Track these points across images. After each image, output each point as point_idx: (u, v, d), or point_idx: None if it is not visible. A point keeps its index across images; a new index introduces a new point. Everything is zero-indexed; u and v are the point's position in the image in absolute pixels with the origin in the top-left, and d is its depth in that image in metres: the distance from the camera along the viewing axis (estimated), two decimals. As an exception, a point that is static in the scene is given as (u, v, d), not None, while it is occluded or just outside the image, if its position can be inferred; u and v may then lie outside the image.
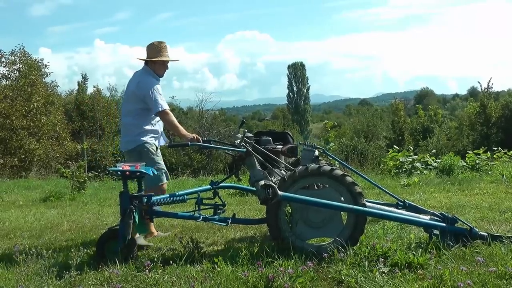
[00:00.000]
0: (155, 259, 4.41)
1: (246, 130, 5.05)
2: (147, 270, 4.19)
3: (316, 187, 4.96)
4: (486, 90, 29.50)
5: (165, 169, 5.85)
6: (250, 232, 5.84)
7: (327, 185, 4.77)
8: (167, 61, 5.90)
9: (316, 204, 4.66)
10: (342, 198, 4.71)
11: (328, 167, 4.69)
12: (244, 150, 4.91)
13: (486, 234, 4.61)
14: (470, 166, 10.82)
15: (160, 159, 5.80)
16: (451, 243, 4.47)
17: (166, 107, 5.64)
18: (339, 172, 4.68)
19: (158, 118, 5.76)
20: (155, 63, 5.81)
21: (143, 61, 5.90)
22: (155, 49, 5.82)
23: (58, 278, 4.18)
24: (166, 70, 5.98)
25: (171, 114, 5.67)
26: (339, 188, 4.70)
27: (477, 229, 4.65)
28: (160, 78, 5.88)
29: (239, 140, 4.92)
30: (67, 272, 4.21)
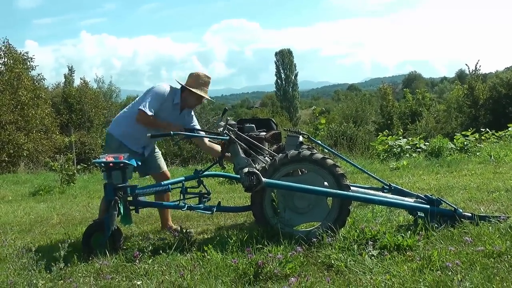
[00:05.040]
0: (145, 249, 4.39)
1: (228, 118, 5.03)
2: (137, 260, 4.19)
3: (300, 173, 4.97)
4: (474, 72, 29.69)
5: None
6: (240, 219, 5.85)
7: (311, 171, 4.77)
8: (199, 100, 5.60)
9: (300, 190, 4.68)
10: (326, 183, 4.73)
11: (307, 152, 4.69)
12: (227, 138, 4.90)
13: (470, 214, 4.68)
14: (458, 148, 10.87)
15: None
16: (436, 225, 4.51)
17: (146, 109, 5.23)
18: (319, 156, 4.69)
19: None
20: (191, 93, 5.48)
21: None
22: (197, 81, 5.51)
23: (48, 271, 4.16)
24: (191, 105, 5.64)
25: (145, 117, 5.25)
26: (321, 172, 4.71)
27: (461, 210, 4.70)
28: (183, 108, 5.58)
29: (222, 128, 4.90)
30: (57, 265, 4.20)
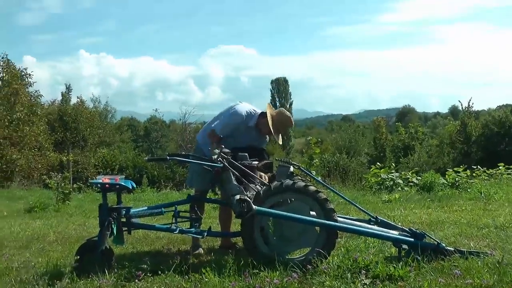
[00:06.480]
0: (144, 269, 4.49)
1: (223, 146, 5.19)
2: (137, 280, 4.29)
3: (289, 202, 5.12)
4: (466, 109, 30.10)
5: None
6: (237, 244, 5.94)
7: (296, 199, 4.95)
8: (272, 133, 5.90)
9: (289, 219, 4.84)
10: (313, 212, 4.90)
11: (290, 182, 4.88)
12: (221, 165, 5.05)
13: (452, 249, 4.83)
14: (450, 184, 11.05)
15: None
16: (419, 257, 4.63)
17: (215, 128, 5.78)
18: (301, 184, 4.88)
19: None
20: (266, 124, 5.85)
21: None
22: (278, 119, 5.94)
23: (50, 286, 4.26)
24: (264, 133, 5.99)
25: (212, 135, 5.76)
26: (305, 200, 4.89)
27: (443, 244, 4.87)
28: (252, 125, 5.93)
29: (216, 155, 5.05)
30: (58, 281, 4.29)
